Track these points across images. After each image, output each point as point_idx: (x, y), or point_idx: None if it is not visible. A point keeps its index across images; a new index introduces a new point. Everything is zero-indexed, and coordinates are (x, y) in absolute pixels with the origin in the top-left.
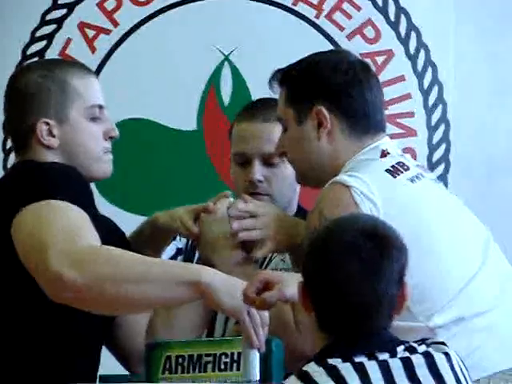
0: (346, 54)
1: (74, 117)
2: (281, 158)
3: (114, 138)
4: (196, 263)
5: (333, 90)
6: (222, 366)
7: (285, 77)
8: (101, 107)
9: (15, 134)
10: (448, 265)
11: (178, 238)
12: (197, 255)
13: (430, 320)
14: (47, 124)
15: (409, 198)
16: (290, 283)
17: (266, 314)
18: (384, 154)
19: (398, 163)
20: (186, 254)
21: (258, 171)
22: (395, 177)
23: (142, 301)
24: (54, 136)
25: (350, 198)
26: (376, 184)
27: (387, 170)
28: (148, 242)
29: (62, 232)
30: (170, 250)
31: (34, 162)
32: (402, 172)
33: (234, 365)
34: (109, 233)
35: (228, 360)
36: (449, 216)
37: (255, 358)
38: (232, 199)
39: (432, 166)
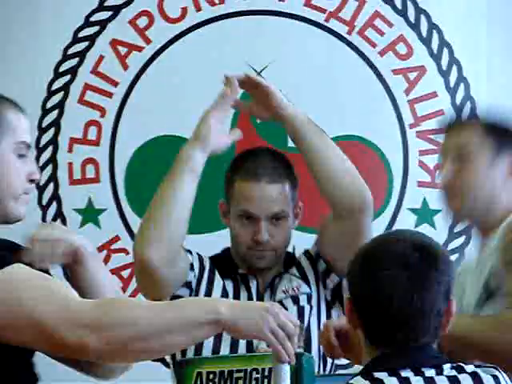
0: None
1: (3, 149)
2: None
3: (35, 182)
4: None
5: None
6: (253, 382)
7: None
8: (29, 146)
9: None
10: None
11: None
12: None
13: None
14: None
15: None
16: None
17: (289, 325)
18: None
19: None
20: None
21: (266, 232)
22: None
23: (167, 349)
24: None
25: None
26: None
27: None
28: None
29: (46, 299)
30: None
31: None
32: None
33: (265, 380)
34: None
35: (259, 376)
36: None
37: (286, 372)
38: None
39: None
